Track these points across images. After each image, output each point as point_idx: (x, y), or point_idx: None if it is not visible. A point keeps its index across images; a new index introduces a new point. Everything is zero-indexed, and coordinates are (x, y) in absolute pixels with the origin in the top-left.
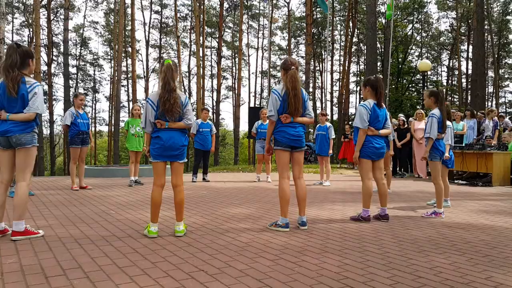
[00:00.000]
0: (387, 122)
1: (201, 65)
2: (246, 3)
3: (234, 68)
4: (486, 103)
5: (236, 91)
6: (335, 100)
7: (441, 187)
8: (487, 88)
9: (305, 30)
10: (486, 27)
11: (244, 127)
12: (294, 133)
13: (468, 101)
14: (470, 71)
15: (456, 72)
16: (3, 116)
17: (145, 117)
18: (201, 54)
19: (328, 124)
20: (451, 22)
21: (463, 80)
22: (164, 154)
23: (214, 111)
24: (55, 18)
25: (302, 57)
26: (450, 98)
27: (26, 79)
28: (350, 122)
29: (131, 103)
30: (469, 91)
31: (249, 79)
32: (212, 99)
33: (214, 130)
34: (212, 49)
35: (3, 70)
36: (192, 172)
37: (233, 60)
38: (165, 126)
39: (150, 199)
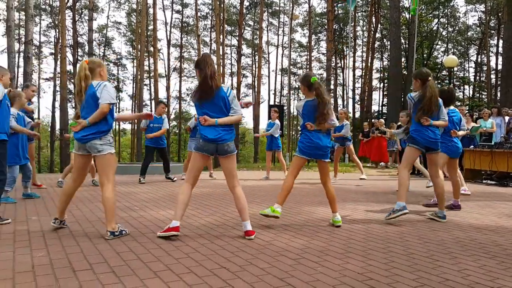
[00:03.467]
0: (443, 113)
1: (221, 64)
2: (266, 1)
3: (254, 66)
4: None
5: (256, 89)
6: (357, 97)
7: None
8: None
9: (326, 26)
10: None
11: (263, 125)
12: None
13: (498, 98)
14: (500, 67)
15: (485, 68)
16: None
17: None
18: (221, 53)
19: (345, 121)
20: (479, 16)
21: (492, 76)
22: None
23: None
24: (79, 19)
25: (323, 53)
26: (478, 95)
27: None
28: (369, 120)
29: (153, 102)
30: (499, 88)
31: (269, 77)
32: None
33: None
34: (232, 47)
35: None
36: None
37: (253, 58)
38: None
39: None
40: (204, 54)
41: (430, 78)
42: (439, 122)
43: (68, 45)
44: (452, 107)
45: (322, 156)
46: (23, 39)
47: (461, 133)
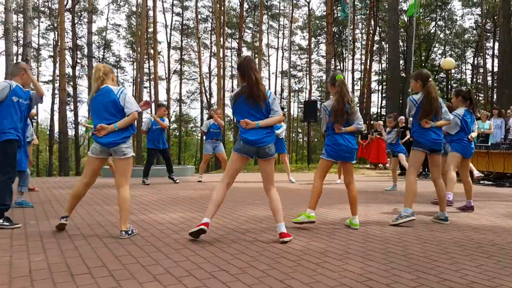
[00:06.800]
0: (446, 113)
1: (222, 66)
2: (266, 3)
3: None
4: None
5: None
6: (356, 99)
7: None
8: None
9: (325, 29)
10: None
11: None
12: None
13: (494, 100)
14: (496, 69)
15: (481, 70)
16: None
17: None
18: (221, 55)
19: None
20: (475, 19)
21: (489, 78)
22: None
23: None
24: (79, 22)
25: (323, 56)
26: (475, 96)
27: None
28: (368, 121)
29: (153, 104)
30: (495, 89)
31: (269, 79)
32: None
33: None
34: (232, 50)
35: None
36: (143, 173)
37: None
38: (342, 131)
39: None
40: (246, 57)
41: (430, 79)
42: (440, 122)
43: (67, 47)
44: (462, 109)
45: (350, 158)
46: (21, 42)
47: (473, 134)
